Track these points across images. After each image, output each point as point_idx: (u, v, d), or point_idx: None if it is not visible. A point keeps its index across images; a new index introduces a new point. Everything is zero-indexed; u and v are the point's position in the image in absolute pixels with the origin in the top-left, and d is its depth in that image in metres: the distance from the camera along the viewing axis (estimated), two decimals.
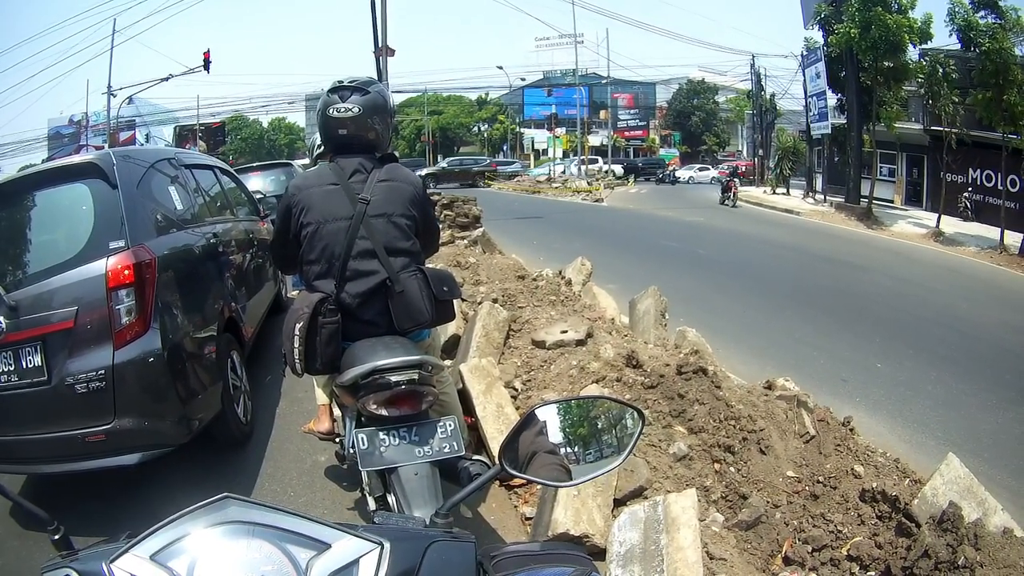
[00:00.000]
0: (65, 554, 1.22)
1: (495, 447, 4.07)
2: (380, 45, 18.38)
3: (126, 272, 3.72)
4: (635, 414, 1.58)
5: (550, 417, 1.55)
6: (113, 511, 3.92)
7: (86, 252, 3.83)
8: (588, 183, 41.19)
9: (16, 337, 3.70)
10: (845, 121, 31.09)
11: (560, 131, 53.16)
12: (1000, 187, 23.66)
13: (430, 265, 3.36)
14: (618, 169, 52.91)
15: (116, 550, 1.00)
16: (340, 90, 3.12)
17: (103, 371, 3.65)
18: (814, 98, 33.48)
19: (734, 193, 32.53)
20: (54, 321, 3.69)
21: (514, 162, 56.41)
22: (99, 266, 3.73)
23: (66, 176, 4.20)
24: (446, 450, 2.53)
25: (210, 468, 4.44)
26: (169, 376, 3.84)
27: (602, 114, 66.40)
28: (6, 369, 3.73)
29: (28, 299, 3.75)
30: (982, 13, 21.77)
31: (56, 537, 1.29)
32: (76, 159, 4.44)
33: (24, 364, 3.71)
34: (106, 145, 41.27)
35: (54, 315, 3.70)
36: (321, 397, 3.81)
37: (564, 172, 49.28)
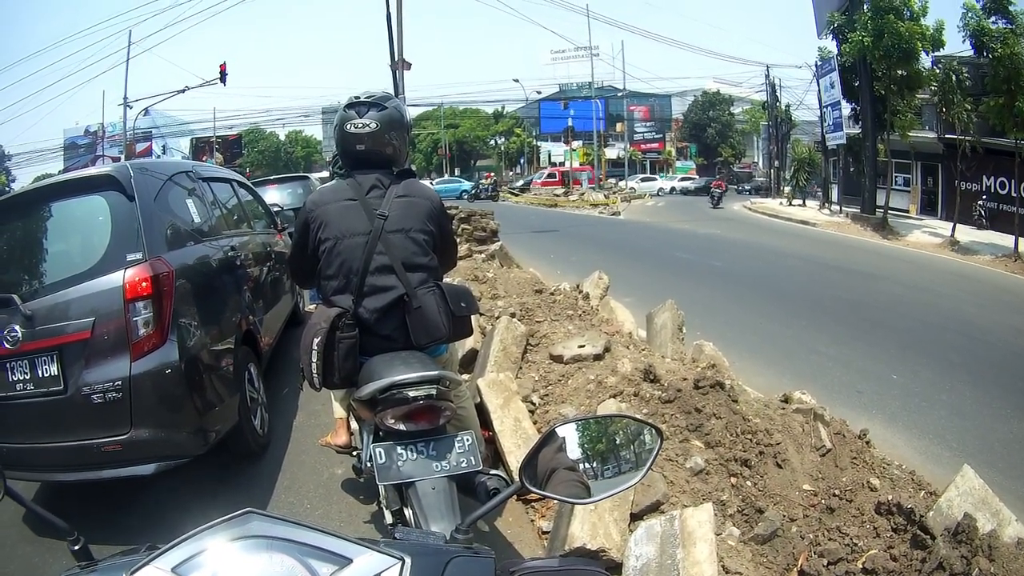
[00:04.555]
0: (84, 564, 1.23)
1: (512, 461, 4.08)
2: (396, 59, 18.46)
3: (144, 284, 3.74)
4: (653, 431, 1.59)
5: (569, 434, 1.55)
6: (128, 521, 3.94)
7: (103, 263, 3.85)
8: (605, 196, 41.20)
9: (32, 346, 3.73)
10: (859, 131, 30.97)
11: (577, 144, 53.06)
12: (1014, 194, 23.40)
13: (448, 280, 3.37)
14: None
15: (137, 562, 1.00)
16: (357, 106, 3.15)
17: (120, 382, 3.66)
18: (829, 108, 33.41)
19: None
20: (71, 331, 3.71)
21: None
22: (116, 278, 3.75)
23: (84, 188, 4.23)
24: (463, 465, 2.53)
25: (226, 479, 4.45)
26: (186, 388, 3.85)
27: (618, 127, 66.34)
28: (22, 378, 3.76)
29: (45, 309, 3.78)
30: (993, 18, 21.60)
31: (76, 547, 1.30)
32: (93, 171, 4.48)
33: (40, 373, 3.73)
34: (122, 156, 41.58)
35: (71, 325, 3.72)
36: (338, 410, 3.81)
37: (582, 186, 49.35)
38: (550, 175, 50.58)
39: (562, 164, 56.98)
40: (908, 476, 4.82)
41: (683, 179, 58.31)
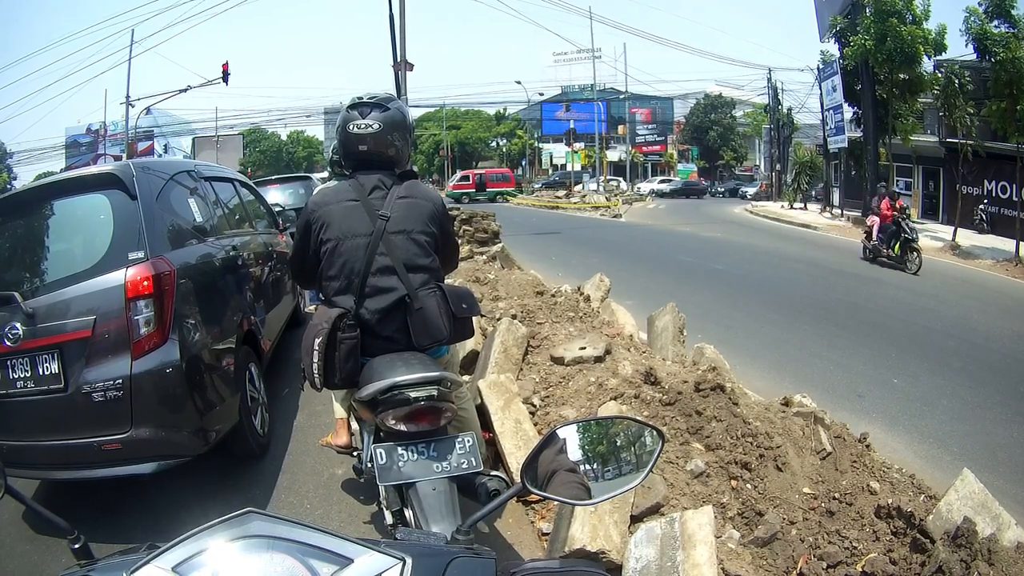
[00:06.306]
0: (84, 563, 1.23)
1: (513, 463, 4.08)
2: (399, 60, 18.43)
3: (145, 283, 3.74)
4: (654, 433, 1.58)
5: (570, 436, 1.55)
6: (128, 520, 3.95)
7: (105, 262, 3.86)
8: (607, 198, 41.17)
9: (33, 344, 3.74)
10: (861, 135, 30.94)
11: (578, 146, 52.93)
12: (1015, 198, 23.25)
13: (449, 281, 3.37)
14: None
15: (137, 561, 1.00)
16: (360, 106, 3.15)
17: (120, 380, 3.67)
18: (831, 112, 33.38)
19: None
20: (71, 330, 3.72)
21: None
22: (118, 276, 3.76)
23: (86, 186, 4.24)
24: (464, 466, 2.53)
25: (227, 479, 4.45)
26: (187, 387, 3.85)
27: (620, 129, 66.30)
28: (23, 375, 3.76)
29: (46, 307, 3.78)
30: (996, 23, 21.55)
31: (76, 546, 1.30)
32: (96, 169, 4.48)
33: (41, 371, 3.73)
34: (124, 155, 41.59)
35: (71, 324, 3.73)
36: (339, 411, 3.81)
37: (583, 187, 49.14)
38: (462, 178, 49.82)
39: (563, 166, 56.90)
40: (908, 480, 4.81)
41: (661, 181, 58.18)
